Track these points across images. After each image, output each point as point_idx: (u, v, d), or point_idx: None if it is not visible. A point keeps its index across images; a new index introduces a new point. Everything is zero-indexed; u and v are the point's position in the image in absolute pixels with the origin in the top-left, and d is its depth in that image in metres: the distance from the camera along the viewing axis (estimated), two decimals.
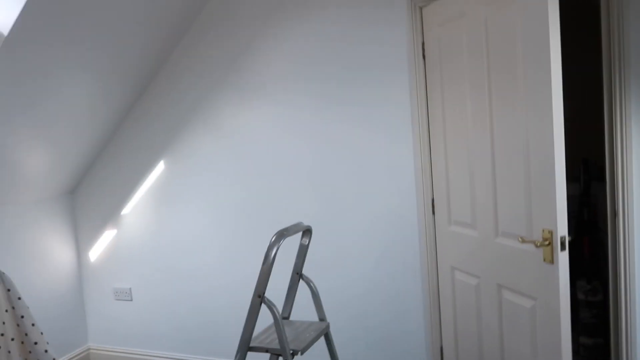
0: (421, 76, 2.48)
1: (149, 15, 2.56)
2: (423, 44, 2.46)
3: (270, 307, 1.74)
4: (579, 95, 3.01)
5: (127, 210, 3.14)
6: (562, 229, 1.78)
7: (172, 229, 3.04)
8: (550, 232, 1.80)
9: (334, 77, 2.61)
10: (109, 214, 3.19)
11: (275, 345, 1.83)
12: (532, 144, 1.85)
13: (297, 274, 2.08)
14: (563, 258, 1.79)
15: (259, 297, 1.76)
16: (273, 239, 1.75)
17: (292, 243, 2.70)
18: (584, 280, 2.87)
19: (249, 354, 1.91)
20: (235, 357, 1.82)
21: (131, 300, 3.22)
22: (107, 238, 3.22)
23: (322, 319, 2.07)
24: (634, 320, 2.31)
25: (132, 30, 2.56)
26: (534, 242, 1.86)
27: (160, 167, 3.02)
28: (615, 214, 2.36)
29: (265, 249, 2.78)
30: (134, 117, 3.05)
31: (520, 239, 1.89)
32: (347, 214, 2.67)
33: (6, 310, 2.30)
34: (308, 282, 2.05)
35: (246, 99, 2.79)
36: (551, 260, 1.81)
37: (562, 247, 1.79)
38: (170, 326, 3.15)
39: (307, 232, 2.06)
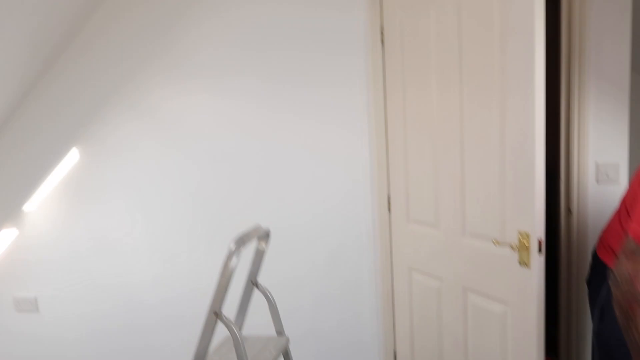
0: (378, 64, 2.30)
1: None
2: (382, 28, 2.28)
3: (230, 325, 1.47)
4: None
5: (31, 206, 2.66)
6: (539, 231, 1.69)
7: (92, 229, 2.61)
8: (527, 235, 1.70)
9: (285, 61, 2.35)
10: (8, 211, 2.68)
11: None
12: (509, 140, 1.74)
13: (252, 283, 1.82)
14: (539, 262, 1.70)
15: (216, 314, 1.49)
16: (232, 247, 1.48)
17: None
18: None
19: None
20: None
21: (37, 312, 2.74)
22: (5, 238, 2.71)
23: (280, 332, 1.83)
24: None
25: None
26: (510, 245, 1.76)
27: (74, 156, 2.58)
28: (569, 211, 2.35)
29: (201, 253, 2.49)
30: (38, 96, 2.56)
31: (494, 241, 1.78)
32: (295, 211, 2.44)
33: None
34: (265, 292, 1.79)
35: (180, 81, 2.44)
36: (527, 263, 1.71)
37: (539, 250, 1.70)
38: (88, 345, 2.73)
39: (265, 235, 1.80)
